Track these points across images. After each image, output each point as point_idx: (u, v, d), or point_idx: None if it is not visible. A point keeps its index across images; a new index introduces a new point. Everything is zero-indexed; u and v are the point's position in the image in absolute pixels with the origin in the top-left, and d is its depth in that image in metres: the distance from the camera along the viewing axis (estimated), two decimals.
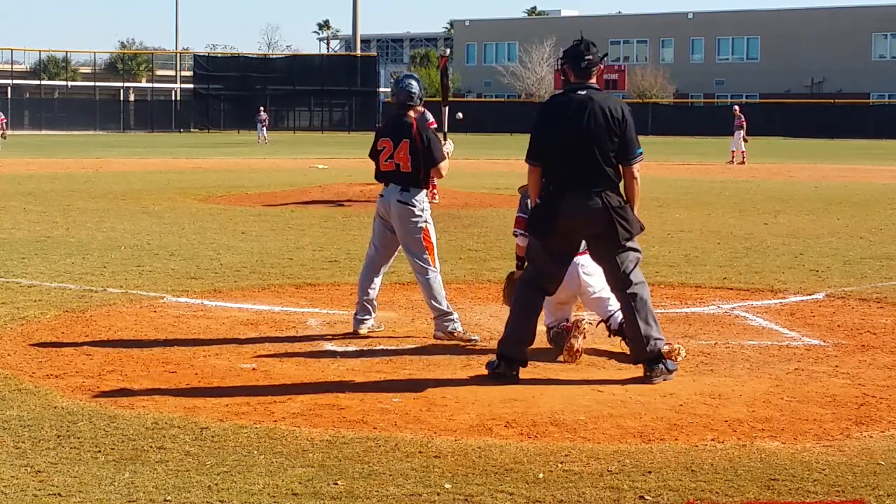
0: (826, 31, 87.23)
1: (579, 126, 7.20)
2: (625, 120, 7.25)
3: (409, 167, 8.62)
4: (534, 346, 7.67)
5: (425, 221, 8.65)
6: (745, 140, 39.55)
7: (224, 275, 11.87)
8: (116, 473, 5.43)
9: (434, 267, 8.65)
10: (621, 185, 7.38)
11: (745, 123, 39.84)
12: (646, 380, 7.38)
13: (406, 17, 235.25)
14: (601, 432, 6.28)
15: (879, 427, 6.42)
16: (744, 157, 39.40)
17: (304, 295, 10.76)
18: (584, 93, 7.30)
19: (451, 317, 8.59)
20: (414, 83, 8.81)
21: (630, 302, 7.42)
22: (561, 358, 7.93)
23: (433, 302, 8.61)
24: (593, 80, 7.41)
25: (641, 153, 7.38)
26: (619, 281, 7.43)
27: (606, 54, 7.73)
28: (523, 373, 7.49)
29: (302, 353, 8.22)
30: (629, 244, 7.39)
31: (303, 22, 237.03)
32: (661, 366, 7.40)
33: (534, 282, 7.52)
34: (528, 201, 7.65)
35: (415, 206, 8.61)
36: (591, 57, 7.32)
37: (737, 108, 42.34)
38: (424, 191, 8.70)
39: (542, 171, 7.38)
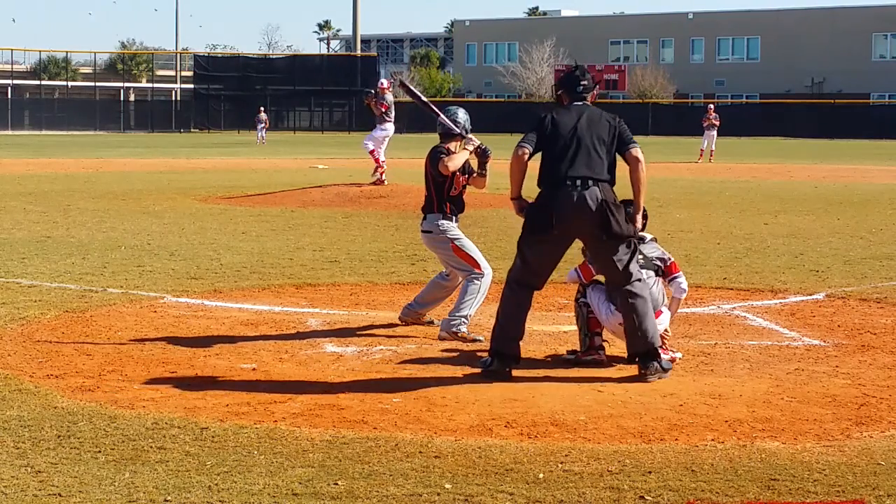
0: (826, 31, 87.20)
1: (581, 119, 7.56)
2: (619, 119, 7.70)
3: (425, 193, 9.04)
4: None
5: (449, 239, 8.88)
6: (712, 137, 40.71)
7: (224, 275, 11.87)
8: (116, 473, 5.44)
9: (478, 271, 8.85)
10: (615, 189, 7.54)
11: (717, 123, 40.95)
12: (640, 377, 7.41)
13: (406, 17, 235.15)
14: (601, 432, 6.28)
15: (879, 427, 6.43)
16: (712, 156, 40.21)
17: (305, 295, 10.76)
18: (580, 104, 7.75)
19: (464, 319, 8.65)
20: (460, 112, 9.05)
21: (629, 298, 7.48)
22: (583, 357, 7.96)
23: (459, 302, 8.76)
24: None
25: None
26: (618, 277, 7.51)
27: (599, 82, 8.23)
28: (523, 372, 7.50)
29: (302, 353, 8.22)
30: (625, 241, 7.49)
31: (303, 22, 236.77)
32: (655, 363, 7.44)
33: (523, 280, 7.61)
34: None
35: (432, 231, 8.93)
36: (586, 83, 7.80)
37: (711, 107, 43.18)
38: (440, 214, 8.91)
39: (527, 161, 7.51)
